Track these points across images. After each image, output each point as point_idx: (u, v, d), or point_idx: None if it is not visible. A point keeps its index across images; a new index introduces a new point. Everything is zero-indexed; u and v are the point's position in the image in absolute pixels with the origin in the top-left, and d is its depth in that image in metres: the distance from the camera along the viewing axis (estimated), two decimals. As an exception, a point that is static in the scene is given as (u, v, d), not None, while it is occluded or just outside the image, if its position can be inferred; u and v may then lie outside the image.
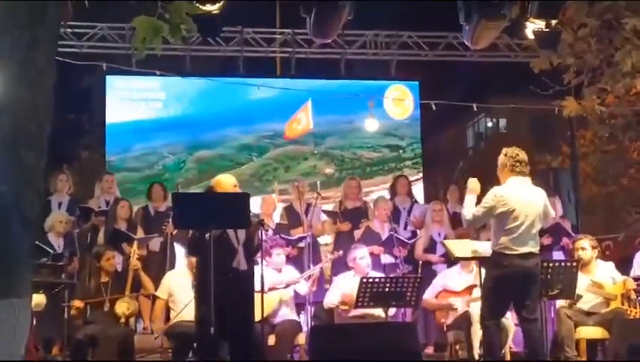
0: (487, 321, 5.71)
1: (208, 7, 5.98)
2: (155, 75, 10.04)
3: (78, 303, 6.44)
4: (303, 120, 11.24)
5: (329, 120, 11.46)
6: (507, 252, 5.61)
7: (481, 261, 6.09)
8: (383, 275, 7.07)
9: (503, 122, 28.02)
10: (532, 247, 5.67)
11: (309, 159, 11.41)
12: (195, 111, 11.06)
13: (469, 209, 5.82)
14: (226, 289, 5.29)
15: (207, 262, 5.29)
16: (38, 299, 6.24)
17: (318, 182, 10.68)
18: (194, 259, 6.53)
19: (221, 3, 6.12)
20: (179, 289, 6.71)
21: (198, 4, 5.57)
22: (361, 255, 7.14)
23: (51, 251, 7.32)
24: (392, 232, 7.80)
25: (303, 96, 11.17)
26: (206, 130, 11.13)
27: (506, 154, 5.79)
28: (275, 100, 11.11)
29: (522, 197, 5.68)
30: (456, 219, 7.96)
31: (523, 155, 5.77)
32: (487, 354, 5.74)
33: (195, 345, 5.99)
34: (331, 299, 7.07)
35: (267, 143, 11.36)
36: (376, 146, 11.60)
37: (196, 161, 11.06)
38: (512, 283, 5.64)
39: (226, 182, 5.89)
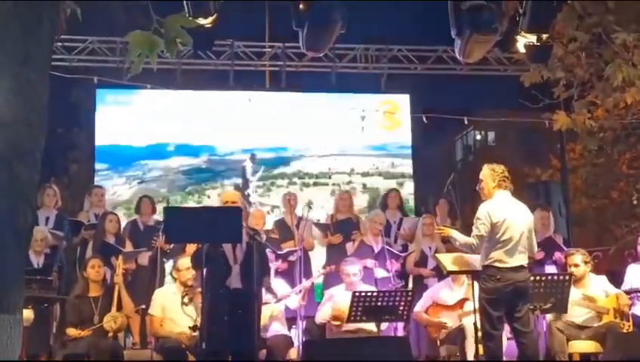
0: (491, 332, 5.66)
1: (201, 21, 5.98)
2: (146, 88, 10.02)
3: (74, 332, 6.40)
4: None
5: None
6: (499, 265, 5.64)
7: (474, 274, 6.08)
8: (374, 289, 7.03)
9: (491, 135, 28.11)
10: (522, 261, 5.72)
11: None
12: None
13: (463, 236, 5.92)
14: (221, 307, 5.30)
15: (208, 277, 5.33)
16: (27, 314, 6.15)
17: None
18: (183, 274, 6.53)
19: (213, 17, 6.12)
20: (170, 305, 6.64)
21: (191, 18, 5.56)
22: (354, 271, 7.10)
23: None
24: (385, 245, 7.76)
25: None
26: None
27: (493, 170, 5.87)
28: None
29: (511, 210, 5.78)
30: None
31: (506, 171, 5.88)
32: None
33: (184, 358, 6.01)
34: (323, 315, 7.04)
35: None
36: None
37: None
38: (504, 296, 5.66)
39: (224, 196, 6.13)
